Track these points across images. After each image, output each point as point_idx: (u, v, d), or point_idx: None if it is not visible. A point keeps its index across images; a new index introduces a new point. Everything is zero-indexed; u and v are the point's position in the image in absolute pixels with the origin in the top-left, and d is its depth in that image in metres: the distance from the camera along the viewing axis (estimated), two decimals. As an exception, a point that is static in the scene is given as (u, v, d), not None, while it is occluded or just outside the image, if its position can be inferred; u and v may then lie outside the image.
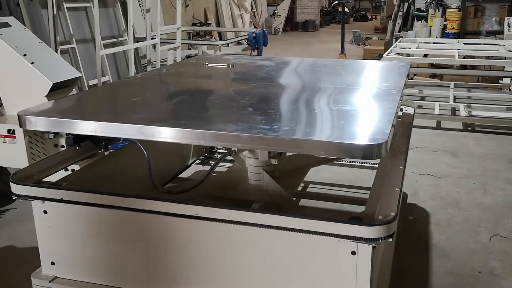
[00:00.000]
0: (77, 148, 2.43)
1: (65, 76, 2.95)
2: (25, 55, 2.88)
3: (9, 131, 2.88)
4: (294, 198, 3.22)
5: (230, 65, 3.18)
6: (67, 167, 2.34)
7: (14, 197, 2.02)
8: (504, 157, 4.68)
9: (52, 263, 2.10)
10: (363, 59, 10.03)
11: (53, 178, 2.20)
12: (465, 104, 6.13)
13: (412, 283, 2.73)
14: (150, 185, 2.80)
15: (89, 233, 2.02)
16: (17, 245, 3.07)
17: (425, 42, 7.44)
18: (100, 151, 2.51)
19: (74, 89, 3.09)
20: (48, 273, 2.12)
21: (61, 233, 2.05)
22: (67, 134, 2.39)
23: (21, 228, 3.25)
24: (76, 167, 2.35)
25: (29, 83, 2.86)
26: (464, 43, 7.00)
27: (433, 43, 7.62)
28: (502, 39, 7.89)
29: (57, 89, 2.90)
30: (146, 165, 2.80)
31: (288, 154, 2.89)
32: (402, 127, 2.84)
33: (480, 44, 7.20)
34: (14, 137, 2.88)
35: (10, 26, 3.04)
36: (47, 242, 2.09)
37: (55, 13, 6.07)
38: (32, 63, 2.87)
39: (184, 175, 3.44)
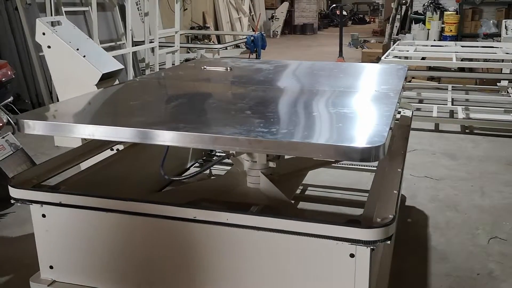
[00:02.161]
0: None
1: (112, 68, 3.30)
2: (77, 49, 3.25)
3: None
4: (292, 201, 3.22)
5: (229, 68, 3.19)
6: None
7: (12, 201, 2.02)
8: (502, 159, 4.68)
9: (51, 267, 2.10)
10: (361, 62, 10.05)
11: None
12: (463, 107, 6.13)
13: (411, 285, 2.73)
14: (149, 188, 2.81)
15: (88, 236, 2.02)
16: (15, 249, 3.07)
17: (423, 45, 7.45)
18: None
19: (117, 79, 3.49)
20: (46, 277, 2.11)
21: (59, 237, 2.05)
22: None
23: (20, 232, 3.25)
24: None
25: (81, 73, 3.21)
26: (462, 46, 7.02)
27: (431, 46, 7.64)
28: (500, 41, 7.91)
29: (104, 79, 3.24)
30: (144, 168, 2.81)
31: (286, 157, 2.89)
32: (400, 130, 2.84)
33: (477, 46, 7.22)
34: None
35: (61, 24, 3.41)
36: (46, 246, 2.08)
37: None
38: (84, 56, 3.22)
39: (182, 178, 3.44)
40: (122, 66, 3.44)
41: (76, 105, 2.39)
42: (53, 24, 3.36)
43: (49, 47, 3.27)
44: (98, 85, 3.17)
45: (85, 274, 2.07)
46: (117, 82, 3.42)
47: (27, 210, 2.06)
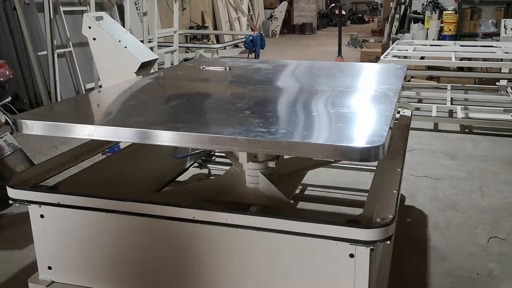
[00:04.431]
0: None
1: (149, 57, 3.68)
2: (119, 41, 3.62)
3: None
4: (292, 201, 3.21)
5: (228, 68, 3.18)
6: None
7: (11, 202, 2.01)
8: (501, 159, 4.68)
9: (49, 268, 2.09)
10: (360, 61, 10.04)
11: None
12: (462, 106, 6.13)
13: (411, 285, 2.72)
14: (148, 188, 2.80)
15: (86, 237, 2.01)
16: (14, 250, 3.06)
17: (422, 45, 7.45)
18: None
19: (152, 68, 3.85)
20: (45, 278, 2.11)
21: (58, 237, 2.04)
22: None
23: (18, 233, 3.24)
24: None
25: (123, 62, 3.58)
26: (461, 45, 7.01)
27: (430, 45, 7.63)
28: (499, 41, 7.91)
29: (142, 67, 3.57)
30: (143, 169, 2.81)
31: (286, 157, 2.89)
32: (400, 130, 2.84)
33: (476, 46, 7.21)
34: None
35: (103, 19, 3.78)
36: (44, 246, 2.08)
37: (51, 16, 6.08)
38: (125, 47, 3.58)
39: (181, 178, 3.43)
40: (157, 56, 3.81)
41: (75, 105, 2.39)
42: (96, 19, 3.75)
43: (94, 39, 3.67)
44: (137, 72, 3.49)
45: (84, 275, 2.06)
46: (152, 70, 3.80)
47: (26, 210, 2.05)
